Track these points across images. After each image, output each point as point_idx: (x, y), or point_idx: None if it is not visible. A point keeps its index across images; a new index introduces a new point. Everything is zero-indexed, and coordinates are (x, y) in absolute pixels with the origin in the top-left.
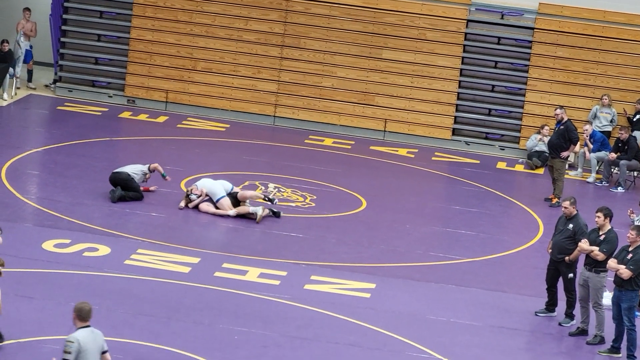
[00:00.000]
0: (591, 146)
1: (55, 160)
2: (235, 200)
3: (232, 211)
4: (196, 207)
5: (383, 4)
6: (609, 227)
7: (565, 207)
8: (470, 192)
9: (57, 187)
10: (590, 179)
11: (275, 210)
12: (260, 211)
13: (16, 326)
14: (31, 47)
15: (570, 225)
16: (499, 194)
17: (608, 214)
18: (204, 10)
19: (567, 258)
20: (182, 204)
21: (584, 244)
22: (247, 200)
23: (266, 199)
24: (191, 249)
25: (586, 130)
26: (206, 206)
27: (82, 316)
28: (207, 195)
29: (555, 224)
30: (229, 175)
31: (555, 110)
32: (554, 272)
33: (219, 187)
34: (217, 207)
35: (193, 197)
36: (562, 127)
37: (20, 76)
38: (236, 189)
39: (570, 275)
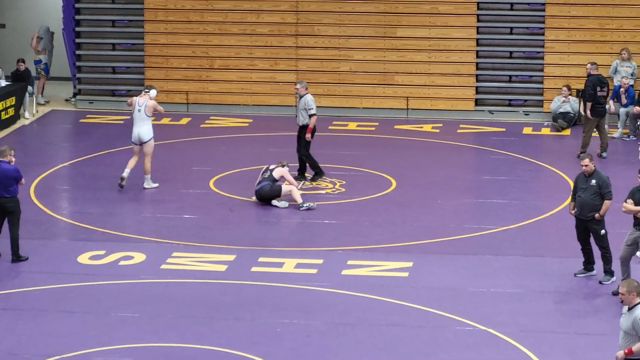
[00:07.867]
0: (625, 101)
1: (82, 173)
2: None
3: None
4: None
5: None
6: None
7: (586, 165)
8: (499, 160)
9: (87, 200)
10: (616, 134)
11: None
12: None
13: (59, 342)
14: (40, 61)
15: (593, 181)
16: (528, 159)
17: None
18: (215, 8)
19: (597, 215)
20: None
21: (629, 205)
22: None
23: (300, 206)
24: (226, 246)
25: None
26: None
27: None
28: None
29: (574, 185)
30: (257, 169)
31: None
32: (583, 230)
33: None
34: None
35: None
36: None
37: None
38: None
39: (602, 231)
